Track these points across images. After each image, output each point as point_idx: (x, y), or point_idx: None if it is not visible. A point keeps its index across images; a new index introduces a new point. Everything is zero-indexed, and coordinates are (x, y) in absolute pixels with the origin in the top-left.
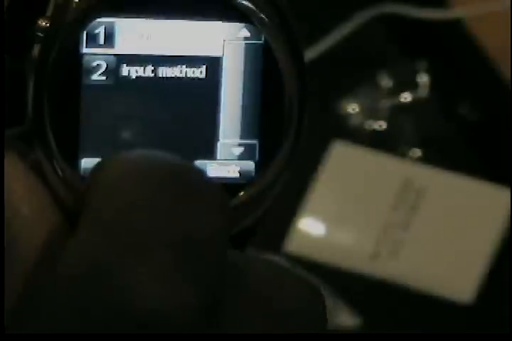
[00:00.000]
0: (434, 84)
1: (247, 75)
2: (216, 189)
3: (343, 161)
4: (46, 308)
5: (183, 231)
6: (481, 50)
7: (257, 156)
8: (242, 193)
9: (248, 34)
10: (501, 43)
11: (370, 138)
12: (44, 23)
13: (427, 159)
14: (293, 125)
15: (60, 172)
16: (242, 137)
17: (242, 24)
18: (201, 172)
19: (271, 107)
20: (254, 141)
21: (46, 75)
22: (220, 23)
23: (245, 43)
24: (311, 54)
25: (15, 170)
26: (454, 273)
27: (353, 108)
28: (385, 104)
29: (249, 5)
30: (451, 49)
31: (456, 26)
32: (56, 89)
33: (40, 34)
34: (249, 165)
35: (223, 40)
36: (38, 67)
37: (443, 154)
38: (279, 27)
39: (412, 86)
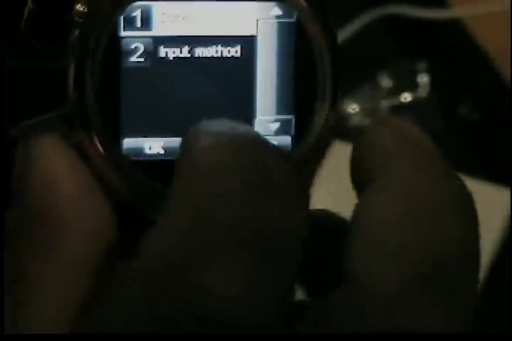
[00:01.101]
0: (434, 84)
1: (280, 53)
2: (301, 184)
3: (342, 161)
4: (120, 304)
5: (265, 228)
6: (481, 50)
7: (293, 131)
8: None
9: (280, 12)
10: (501, 43)
11: None
12: (82, 8)
13: None
14: (327, 99)
15: (102, 153)
16: (278, 113)
17: (274, 3)
18: (288, 166)
19: (305, 83)
20: (290, 116)
21: (87, 58)
22: (252, 2)
23: (278, 22)
24: None
25: (57, 150)
26: None
27: (353, 108)
28: (385, 104)
29: None
30: (451, 49)
31: (456, 26)
32: (97, 71)
33: (78, 19)
34: (286, 140)
35: (256, 19)
36: (79, 51)
37: (443, 154)
38: (310, 4)
39: (412, 86)
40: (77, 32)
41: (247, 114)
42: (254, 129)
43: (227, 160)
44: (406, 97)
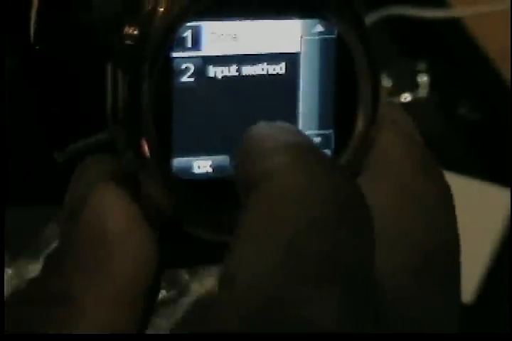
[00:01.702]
0: (434, 84)
1: (322, 68)
2: (368, 211)
3: None
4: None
5: (350, 258)
6: (481, 50)
7: (333, 145)
8: None
9: (322, 29)
10: (501, 43)
11: None
12: (131, 31)
13: None
14: (367, 114)
15: (154, 174)
16: (319, 127)
17: (316, 20)
18: (360, 193)
19: (345, 97)
20: (330, 131)
21: (139, 80)
22: (296, 20)
23: (319, 38)
24: None
25: (108, 187)
26: None
27: None
28: None
29: (323, 1)
30: (451, 49)
31: (456, 26)
32: (150, 92)
33: (129, 42)
34: (327, 153)
35: (300, 37)
36: (130, 72)
37: (443, 154)
38: (350, 20)
39: (412, 86)
40: (127, 55)
41: None
42: (308, 138)
43: (310, 183)
44: (406, 97)
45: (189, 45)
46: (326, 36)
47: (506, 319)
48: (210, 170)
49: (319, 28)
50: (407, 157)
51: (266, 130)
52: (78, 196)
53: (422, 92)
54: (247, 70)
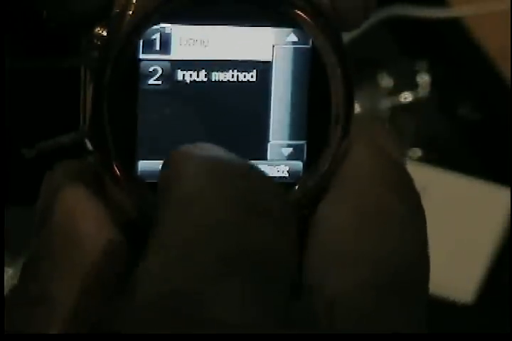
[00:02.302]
0: (434, 84)
1: (295, 78)
2: (287, 204)
3: None
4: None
5: (256, 254)
6: (481, 49)
7: (305, 156)
8: (290, 192)
9: (296, 39)
10: (501, 43)
11: None
12: (101, 31)
13: (427, 159)
14: (339, 125)
15: (118, 177)
16: (291, 138)
17: (290, 29)
18: (275, 187)
19: (318, 109)
20: (302, 142)
21: (105, 81)
22: (269, 28)
23: (293, 47)
24: None
25: (76, 187)
26: (454, 273)
27: None
28: (385, 104)
29: (297, 10)
30: (451, 49)
31: (456, 26)
32: (115, 94)
33: (97, 42)
34: (298, 165)
35: (273, 45)
36: (97, 73)
37: (443, 154)
38: (325, 31)
39: (412, 86)
40: (95, 54)
41: (261, 138)
42: (235, 156)
43: (215, 187)
44: (406, 97)
45: (157, 47)
46: (300, 46)
47: (506, 319)
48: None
49: (293, 38)
50: (378, 174)
51: (187, 148)
52: (48, 199)
53: (422, 92)
54: (217, 76)
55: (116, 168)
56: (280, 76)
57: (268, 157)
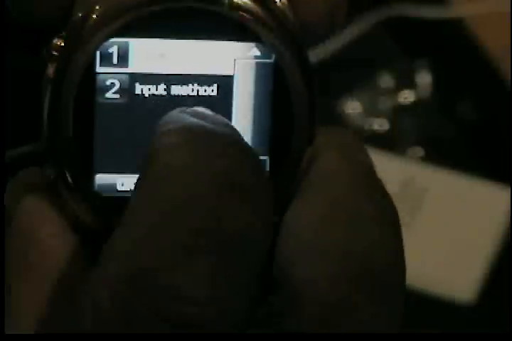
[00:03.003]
0: (434, 84)
1: (257, 93)
2: (265, 185)
3: None
4: (90, 308)
5: (229, 231)
6: (481, 49)
7: (267, 172)
8: None
9: (258, 53)
10: (502, 43)
11: (370, 138)
12: (59, 42)
13: (427, 159)
14: (302, 141)
15: (74, 189)
16: None
17: (253, 43)
18: (256, 167)
19: (281, 124)
20: (264, 157)
21: (61, 93)
22: (231, 42)
23: (256, 62)
24: (314, 57)
25: (35, 197)
26: (454, 273)
27: (353, 108)
28: (386, 104)
29: (260, 24)
30: (451, 49)
31: (456, 26)
32: (71, 106)
33: (55, 53)
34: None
35: (234, 59)
36: (53, 85)
37: (443, 154)
38: (287, 46)
39: (412, 86)
40: (52, 66)
41: None
42: (229, 125)
43: (191, 161)
44: (406, 97)
45: (115, 61)
46: (263, 60)
47: (506, 319)
48: (133, 187)
49: (256, 52)
50: (345, 176)
51: (175, 113)
52: (9, 206)
53: (422, 92)
54: (177, 90)
55: (71, 181)
56: (242, 90)
57: None
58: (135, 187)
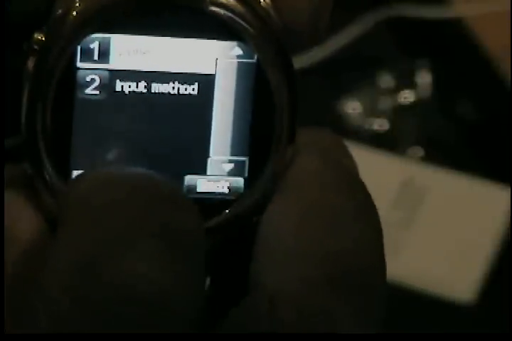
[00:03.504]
0: (434, 84)
1: (239, 93)
2: (179, 191)
3: None
4: (44, 303)
5: (161, 223)
6: (481, 49)
7: (246, 173)
8: (230, 208)
9: (241, 52)
10: (502, 43)
11: (370, 138)
12: (40, 37)
13: (427, 159)
14: (282, 143)
15: (50, 184)
16: (232, 154)
17: (235, 42)
18: (172, 187)
19: (261, 125)
20: (244, 158)
21: (40, 88)
22: (213, 41)
23: (238, 61)
24: (314, 57)
25: (14, 193)
26: (454, 273)
27: (353, 108)
28: (386, 104)
29: (242, 23)
30: (451, 49)
31: (456, 26)
32: (49, 101)
33: (35, 47)
34: (239, 181)
35: (216, 58)
36: (33, 80)
37: (443, 154)
38: (270, 46)
39: (412, 86)
40: (32, 60)
41: (201, 152)
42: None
43: (112, 181)
44: (406, 97)
45: (96, 57)
46: (245, 60)
47: (506, 319)
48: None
49: (238, 51)
50: (322, 175)
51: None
52: (3, 207)
53: (422, 92)
54: (157, 88)
55: (48, 177)
56: (223, 90)
57: (208, 172)
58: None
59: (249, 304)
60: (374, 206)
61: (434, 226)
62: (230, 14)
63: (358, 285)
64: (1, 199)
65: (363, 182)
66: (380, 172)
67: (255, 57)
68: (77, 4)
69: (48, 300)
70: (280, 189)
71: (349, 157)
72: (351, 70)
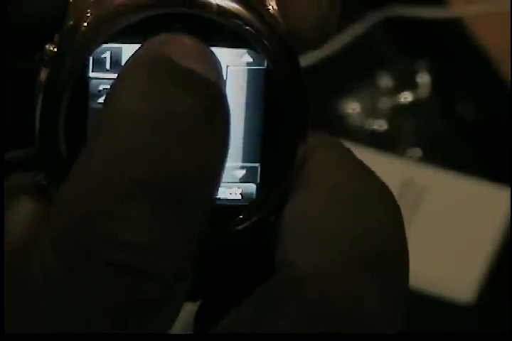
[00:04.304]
0: (434, 84)
1: (249, 99)
2: (218, 132)
3: None
4: (38, 261)
5: (163, 180)
6: (481, 49)
7: (258, 179)
8: (242, 215)
9: (251, 59)
10: (501, 43)
11: (370, 138)
12: (52, 48)
13: (426, 159)
14: (295, 147)
15: None
16: (244, 160)
17: (245, 50)
18: (215, 112)
19: (273, 131)
20: (256, 164)
21: (53, 99)
22: (223, 49)
23: (248, 68)
24: (314, 57)
25: (24, 202)
26: (454, 273)
27: (353, 108)
28: (385, 104)
29: (251, 31)
30: (451, 49)
31: (456, 26)
32: (63, 112)
33: (47, 58)
34: (251, 187)
35: (226, 66)
36: (45, 91)
37: (443, 154)
38: (280, 52)
39: (412, 86)
40: (45, 71)
41: None
42: (214, 63)
43: (147, 106)
44: (406, 97)
45: (108, 66)
46: (255, 67)
47: (506, 319)
48: None
49: (248, 58)
50: (341, 166)
51: (152, 42)
52: (2, 209)
53: (422, 92)
54: None
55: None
56: (234, 97)
57: None
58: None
59: (275, 284)
60: (392, 192)
61: (434, 227)
62: (239, 22)
63: (385, 264)
64: (1, 200)
65: (375, 174)
66: (379, 172)
67: (265, 63)
68: (88, 14)
69: (41, 257)
70: (300, 181)
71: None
72: (351, 70)
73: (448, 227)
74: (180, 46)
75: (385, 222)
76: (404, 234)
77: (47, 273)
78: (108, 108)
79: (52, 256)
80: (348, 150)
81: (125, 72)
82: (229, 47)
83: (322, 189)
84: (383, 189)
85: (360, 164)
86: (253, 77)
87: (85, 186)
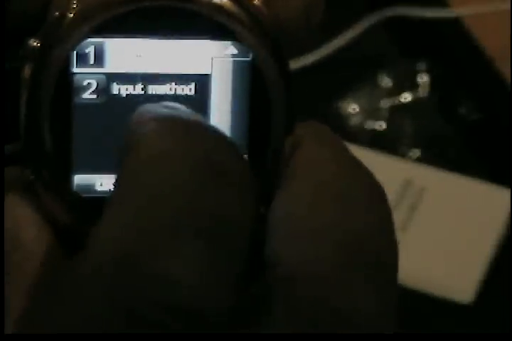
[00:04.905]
0: (434, 84)
1: (235, 91)
2: (246, 169)
3: None
4: (73, 302)
5: (218, 216)
6: (481, 50)
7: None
8: None
9: (236, 51)
10: (501, 43)
11: (370, 138)
12: (35, 43)
13: (426, 159)
14: (281, 139)
15: (52, 190)
16: None
17: (230, 42)
18: (235, 151)
19: (259, 122)
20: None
21: (38, 94)
22: (207, 41)
23: (233, 60)
24: (314, 57)
25: (17, 200)
26: (454, 273)
27: (353, 108)
28: (385, 104)
29: (236, 22)
30: (451, 49)
31: (456, 26)
32: (48, 107)
33: (31, 54)
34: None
35: (211, 58)
36: (30, 86)
37: (443, 154)
38: (264, 44)
39: (412, 86)
40: (29, 66)
41: None
42: (194, 113)
43: (174, 147)
44: (406, 97)
45: (92, 61)
46: (240, 59)
47: (506, 319)
48: (113, 187)
49: (233, 50)
50: (330, 159)
51: (149, 106)
52: (3, 208)
53: (422, 92)
54: (154, 89)
55: (49, 182)
56: (219, 89)
57: None
58: (116, 177)
59: (265, 283)
60: (382, 187)
61: (434, 227)
62: (223, 14)
63: (375, 263)
64: (1, 200)
65: (366, 167)
66: (379, 172)
67: (250, 55)
68: (72, 9)
69: (80, 293)
70: (287, 177)
71: (345, 144)
72: (351, 70)
73: (448, 228)
74: (172, 107)
75: (375, 220)
76: (393, 231)
77: (88, 308)
78: (138, 149)
79: (95, 294)
80: (337, 140)
81: (143, 121)
82: (214, 39)
83: (309, 186)
84: (373, 185)
85: (347, 157)
86: (238, 68)
87: (130, 222)
